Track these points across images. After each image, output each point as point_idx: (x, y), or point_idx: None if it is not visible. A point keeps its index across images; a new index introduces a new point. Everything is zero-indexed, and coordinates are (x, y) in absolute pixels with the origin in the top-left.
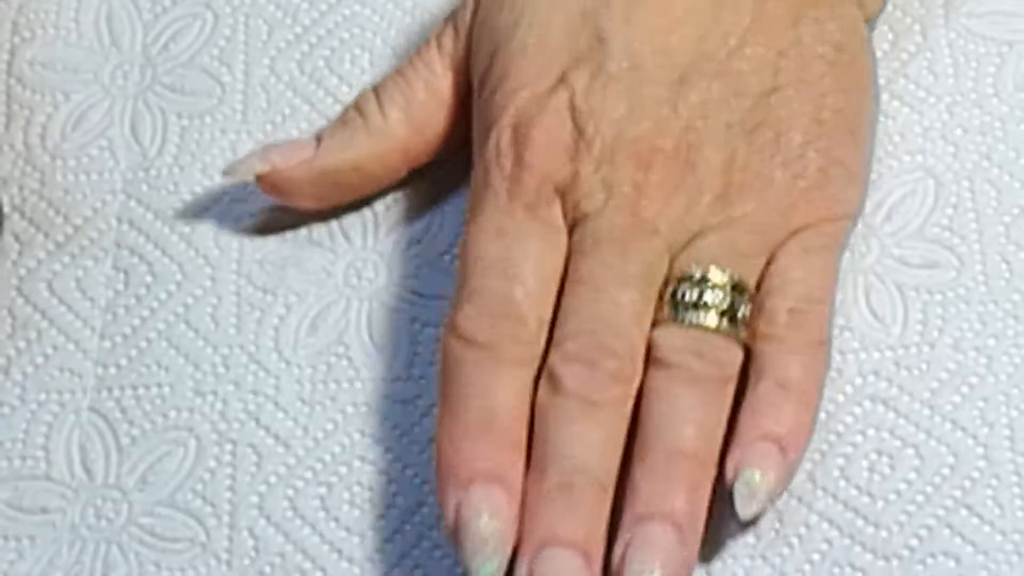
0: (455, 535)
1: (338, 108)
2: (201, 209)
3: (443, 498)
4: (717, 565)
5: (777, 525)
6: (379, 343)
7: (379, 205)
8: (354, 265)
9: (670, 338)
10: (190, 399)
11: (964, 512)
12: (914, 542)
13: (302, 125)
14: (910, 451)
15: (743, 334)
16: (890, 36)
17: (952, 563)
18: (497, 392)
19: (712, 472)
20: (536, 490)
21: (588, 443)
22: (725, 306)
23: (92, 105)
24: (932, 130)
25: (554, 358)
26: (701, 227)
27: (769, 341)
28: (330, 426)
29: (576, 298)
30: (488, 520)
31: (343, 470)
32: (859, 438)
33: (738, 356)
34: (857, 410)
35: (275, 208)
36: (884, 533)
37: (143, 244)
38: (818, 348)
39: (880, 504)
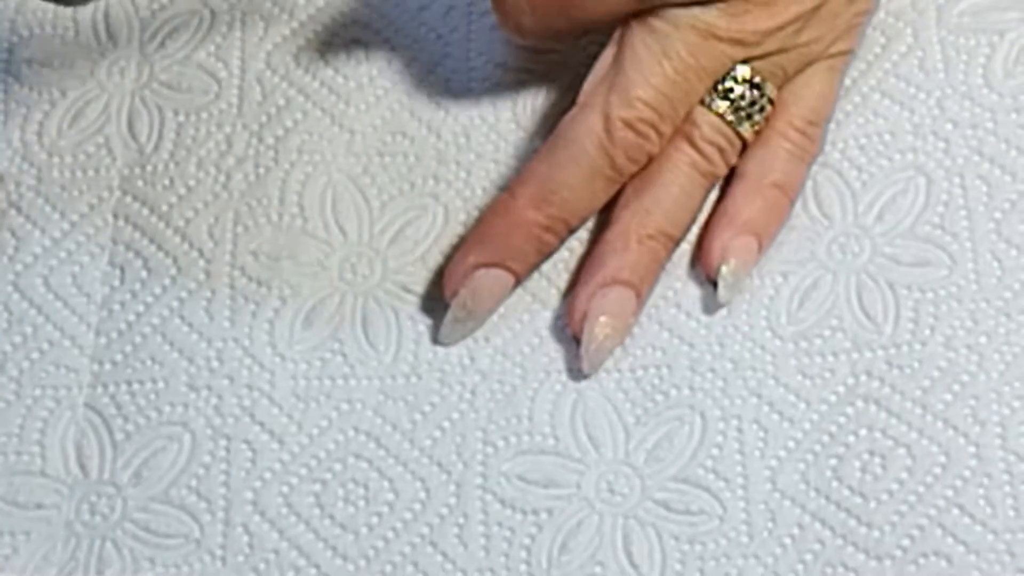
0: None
1: (333, 99)
2: (196, 201)
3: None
4: (711, 564)
5: (770, 525)
6: (373, 339)
7: (375, 199)
8: (349, 260)
9: (704, 122)
10: (184, 394)
11: (956, 512)
12: (906, 542)
13: (297, 116)
14: (902, 451)
15: (750, 135)
16: (882, 40)
17: (944, 563)
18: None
19: (673, 247)
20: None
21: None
22: (745, 105)
23: (89, 102)
24: (922, 126)
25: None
26: (780, 47)
27: (779, 145)
28: (324, 422)
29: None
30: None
31: (338, 466)
32: (851, 438)
33: (737, 155)
34: (849, 410)
35: (270, 197)
36: (876, 533)
37: (139, 240)
38: (811, 159)
39: (872, 504)
